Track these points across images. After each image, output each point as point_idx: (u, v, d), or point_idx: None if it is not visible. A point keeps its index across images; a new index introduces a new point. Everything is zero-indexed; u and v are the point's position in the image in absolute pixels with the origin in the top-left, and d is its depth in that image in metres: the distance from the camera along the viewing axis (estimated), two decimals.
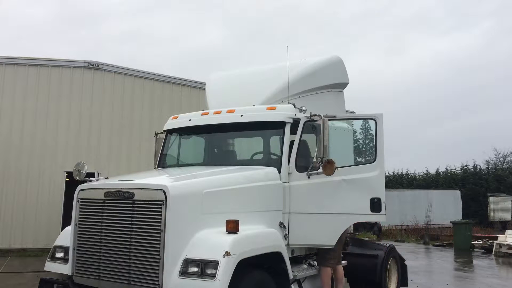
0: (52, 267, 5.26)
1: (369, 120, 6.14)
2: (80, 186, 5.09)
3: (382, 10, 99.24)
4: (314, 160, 5.66)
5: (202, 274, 4.17)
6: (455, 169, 39.64)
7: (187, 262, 4.27)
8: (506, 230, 18.22)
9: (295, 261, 5.98)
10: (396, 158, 55.22)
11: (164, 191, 4.38)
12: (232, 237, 4.39)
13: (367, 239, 12.67)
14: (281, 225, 5.57)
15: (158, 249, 4.30)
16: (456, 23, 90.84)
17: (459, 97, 78.90)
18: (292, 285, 5.19)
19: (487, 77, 79.30)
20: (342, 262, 6.72)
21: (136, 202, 4.53)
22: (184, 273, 4.23)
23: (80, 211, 4.98)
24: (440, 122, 74.70)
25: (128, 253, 4.48)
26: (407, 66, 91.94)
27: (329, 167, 5.30)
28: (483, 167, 40.32)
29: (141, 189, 4.61)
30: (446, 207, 28.65)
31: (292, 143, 5.88)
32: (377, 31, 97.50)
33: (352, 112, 13.81)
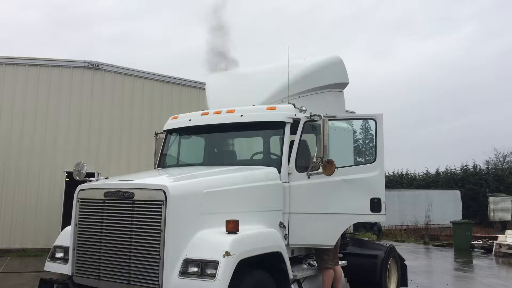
0: (52, 267, 5.26)
1: (369, 120, 6.14)
2: (80, 186, 5.09)
3: (366, 14, 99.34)
4: (314, 160, 5.66)
5: (202, 274, 4.16)
6: (455, 169, 39.53)
7: (187, 262, 4.26)
8: (506, 230, 18.18)
9: (295, 261, 5.99)
10: (396, 158, 55.12)
11: (164, 191, 4.39)
12: (232, 237, 4.38)
13: (367, 239, 12.66)
14: (281, 225, 5.57)
15: (158, 249, 4.30)
16: (438, 26, 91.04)
17: (458, 97, 78.86)
18: (292, 285, 5.18)
19: (480, 77, 79.30)
20: (342, 262, 6.72)
21: (136, 202, 4.53)
22: (184, 273, 4.23)
23: (80, 211, 4.98)
24: (439, 122, 74.66)
25: (128, 253, 4.48)
26: (395, 68, 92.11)
27: (329, 167, 5.30)
28: (483, 167, 40.23)
29: (141, 189, 4.61)
30: (446, 207, 28.59)
31: (292, 143, 5.88)
32: (362, 35, 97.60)
33: (352, 112, 13.81)
